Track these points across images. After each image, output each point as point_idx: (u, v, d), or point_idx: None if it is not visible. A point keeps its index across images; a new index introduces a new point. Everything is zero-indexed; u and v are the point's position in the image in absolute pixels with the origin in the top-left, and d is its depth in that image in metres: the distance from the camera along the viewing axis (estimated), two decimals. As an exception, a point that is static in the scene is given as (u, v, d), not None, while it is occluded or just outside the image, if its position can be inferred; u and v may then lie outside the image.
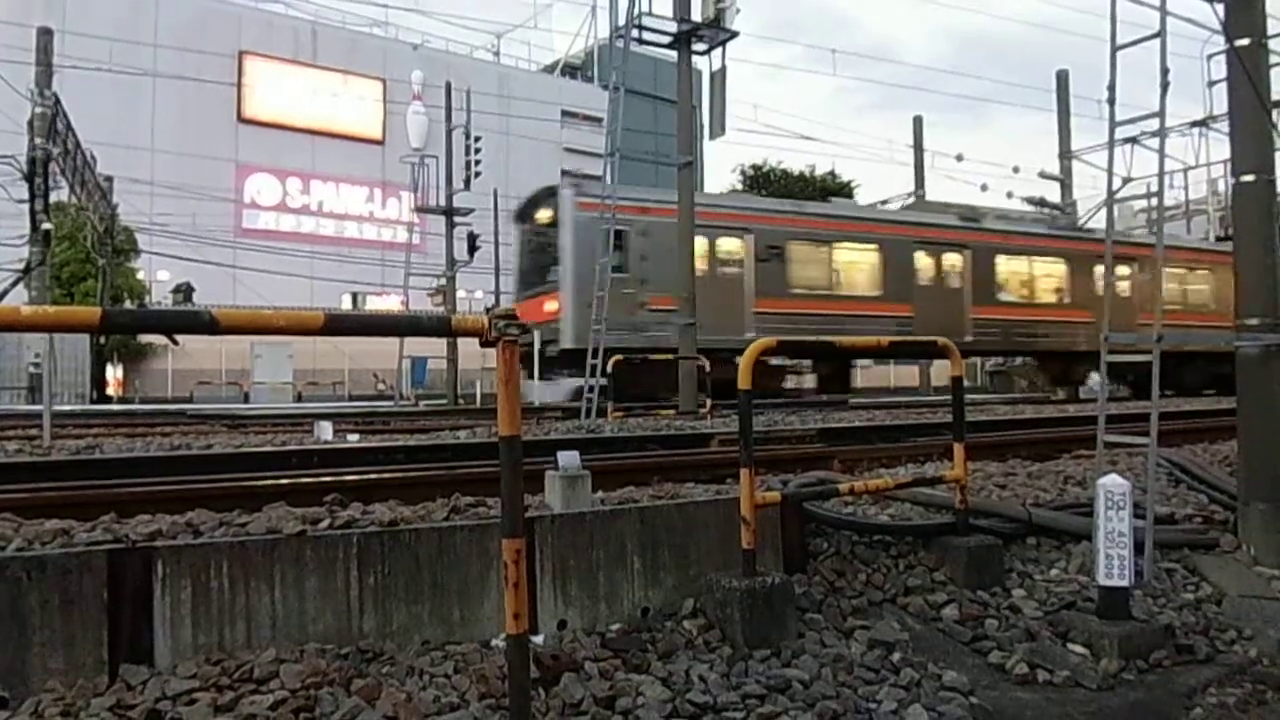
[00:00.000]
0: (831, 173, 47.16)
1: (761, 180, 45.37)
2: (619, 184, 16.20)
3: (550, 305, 17.96)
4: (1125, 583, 3.89)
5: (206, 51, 38.66)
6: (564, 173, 40.42)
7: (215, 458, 7.21)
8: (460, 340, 19.66)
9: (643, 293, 17.64)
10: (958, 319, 20.87)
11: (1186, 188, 34.12)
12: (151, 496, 4.87)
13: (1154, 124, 4.85)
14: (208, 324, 2.44)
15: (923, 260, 21.20)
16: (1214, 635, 4.13)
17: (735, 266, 18.89)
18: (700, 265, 17.75)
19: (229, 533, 3.57)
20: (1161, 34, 4.76)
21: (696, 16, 16.26)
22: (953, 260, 21.66)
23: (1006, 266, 22.71)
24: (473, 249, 26.67)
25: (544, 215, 18.85)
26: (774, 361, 18.58)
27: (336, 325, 2.64)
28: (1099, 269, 23.61)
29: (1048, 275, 23.65)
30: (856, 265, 20.68)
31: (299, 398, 31.29)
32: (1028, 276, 23.35)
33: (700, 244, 17.76)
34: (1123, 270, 24.08)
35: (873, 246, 20.60)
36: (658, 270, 17.44)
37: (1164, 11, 4.77)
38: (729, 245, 18.98)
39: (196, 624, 3.04)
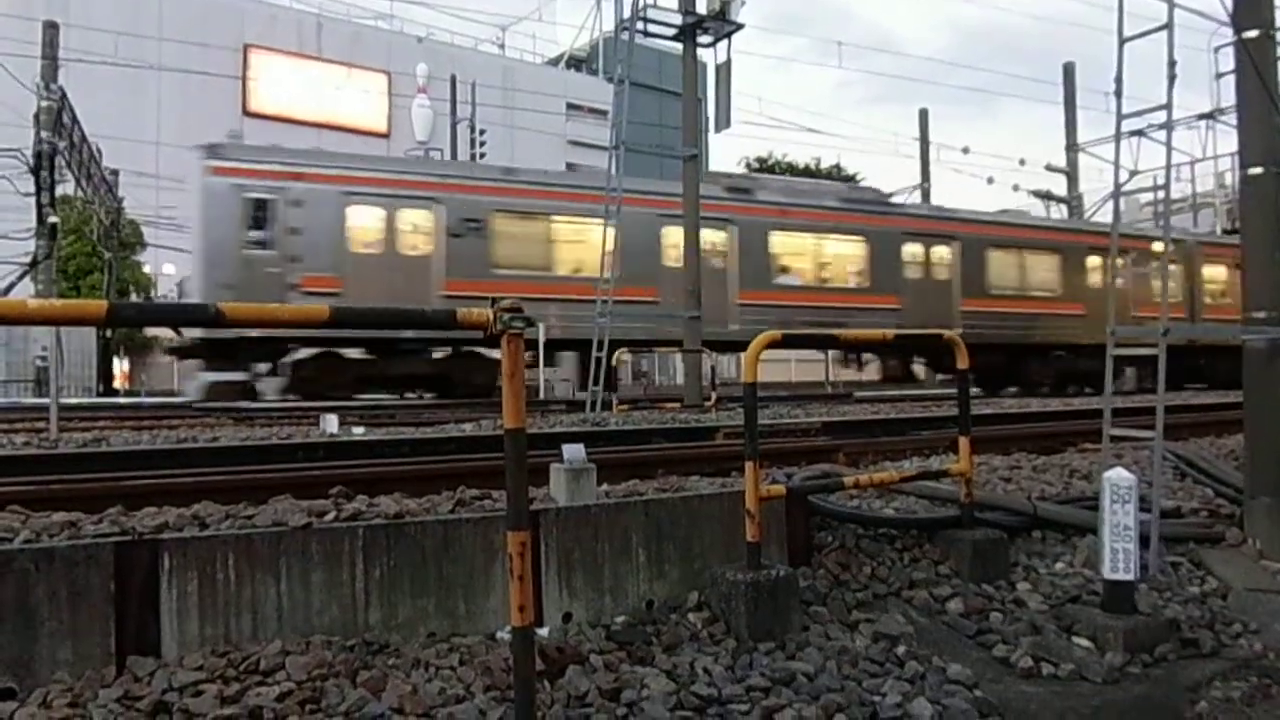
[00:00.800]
0: (837, 165, 47.11)
1: (766, 173, 45.29)
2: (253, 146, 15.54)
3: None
4: (1130, 576, 3.88)
5: (211, 45, 38.67)
6: (569, 165, 40.45)
7: (221, 450, 7.20)
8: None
9: (293, 272, 15.40)
10: (719, 305, 18.24)
11: (1194, 180, 34.02)
12: (158, 489, 4.87)
13: (1161, 116, 4.84)
14: (213, 317, 2.44)
15: (673, 238, 18.20)
16: (1219, 629, 4.12)
17: (420, 244, 16.69)
18: (370, 242, 16.13)
19: (235, 525, 3.58)
20: (1169, 26, 4.74)
21: (702, 9, 16.24)
22: (714, 238, 18.88)
23: (787, 245, 20.06)
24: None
25: None
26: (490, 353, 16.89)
27: (341, 318, 2.64)
28: (910, 248, 21.35)
29: (844, 256, 21.00)
30: (583, 243, 17.92)
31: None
32: (817, 257, 20.68)
33: (370, 216, 16.15)
34: (941, 252, 21.85)
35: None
36: (313, 246, 15.51)
37: (1171, 3, 4.75)
38: (413, 218, 16.65)
39: (203, 616, 3.06)
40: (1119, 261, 23.60)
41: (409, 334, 15.22)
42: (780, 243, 19.95)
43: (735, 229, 19.24)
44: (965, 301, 21.62)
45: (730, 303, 18.69)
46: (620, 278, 17.14)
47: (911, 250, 21.43)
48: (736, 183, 20.51)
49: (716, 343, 17.19)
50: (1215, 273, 25.68)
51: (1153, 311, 24.75)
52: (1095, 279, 23.67)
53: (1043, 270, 23.13)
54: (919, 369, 23.67)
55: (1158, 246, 24.12)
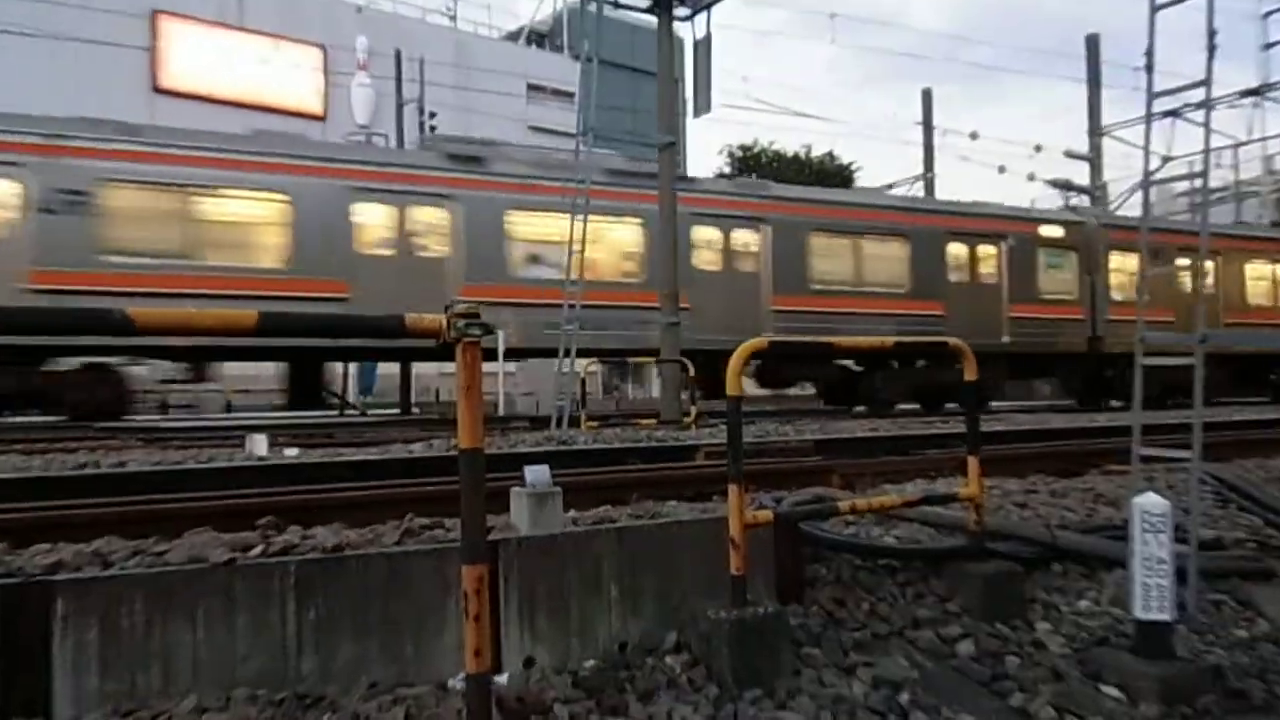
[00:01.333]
0: (830, 154, 47.41)
1: (751, 163, 45.51)
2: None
3: None
4: (1166, 616, 3.89)
5: (113, 10, 38.28)
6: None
7: (128, 477, 7.12)
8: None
9: None
10: (434, 303, 17.15)
11: (1237, 166, 34.40)
12: (52, 522, 4.80)
13: (1198, 94, 4.86)
14: (120, 324, 2.40)
15: (370, 217, 16.84)
16: (1271, 679, 4.09)
17: None
18: None
19: (144, 563, 3.53)
20: (1207, -10, 4.76)
21: (679, -23, 16.31)
22: (426, 217, 17.37)
23: (533, 229, 18.15)
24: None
25: None
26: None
27: (271, 325, 2.61)
28: (703, 232, 19.35)
29: (614, 243, 19.14)
30: (243, 225, 16.30)
31: (228, 407, 31.00)
32: (593, 244, 18.14)
33: None
34: (745, 238, 19.81)
35: (278, 197, 16.15)
36: None
37: (1209, -35, 4.77)
38: None
39: (104, 669, 3.00)
40: (992, 250, 22.35)
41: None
42: (523, 225, 18.09)
43: (459, 207, 17.43)
44: (778, 299, 19.67)
45: (448, 300, 16.96)
46: (294, 268, 15.98)
47: (704, 235, 19.52)
48: (463, 150, 18.33)
49: (426, 352, 16.38)
50: (1124, 263, 23.88)
51: (1035, 311, 22.18)
52: (959, 273, 22.09)
53: (888, 261, 21.39)
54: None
55: (1048, 230, 23.02)
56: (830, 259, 20.61)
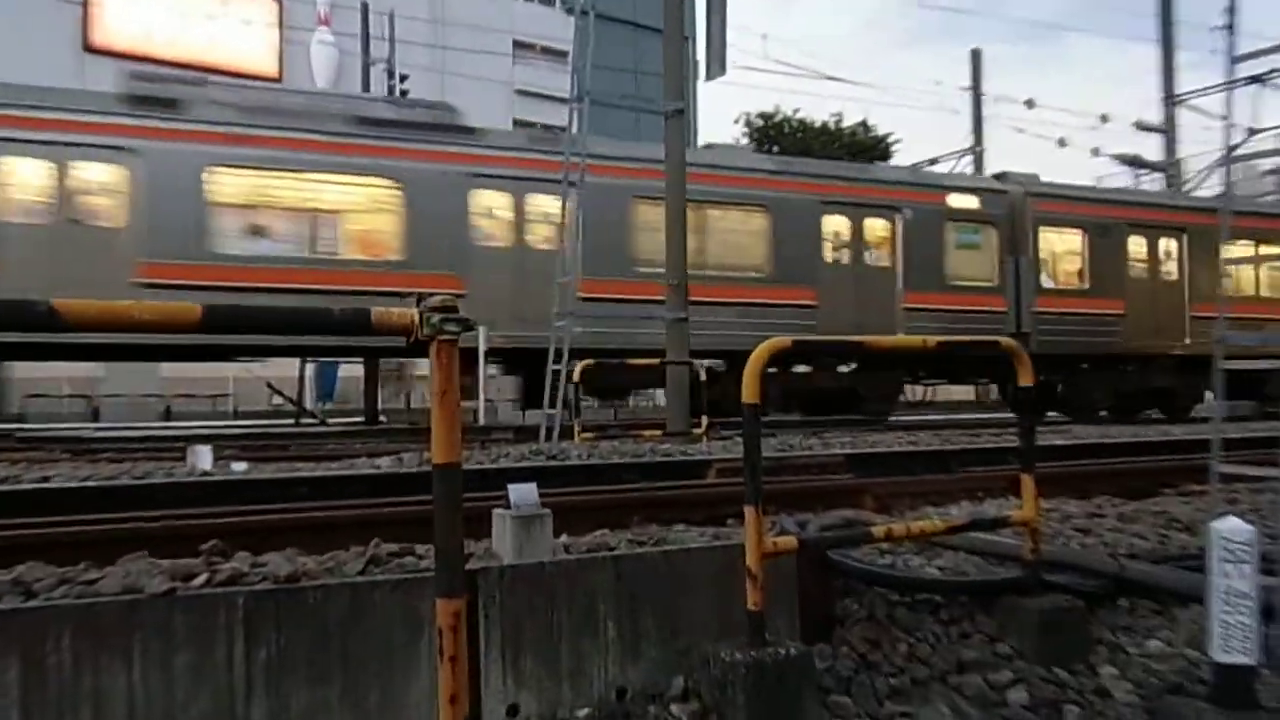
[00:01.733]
0: (864, 123, 47.39)
1: (774, 133, 45.51)
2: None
3: None
4: (1249, 659, 3.89)
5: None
6: (516, 123, 40.42)
7: (54, 494, 7.15)
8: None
9: None
10: (100, 286, 14.37)
11: (1331, 140, 34.25)
12: (-32, 544, 4.80)
13: (1284, 60, 4.86)
14: (44, 317, 2.41)
15: (13, 177, 15.56)
16: (1369, 731, 4.12)
17: None
18: None
19: (72, 593, 3.53)
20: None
21: (689, -82, 16.34)
22: (98, 177, 15.95)
23: (250, 192, 16.92)
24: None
25: None
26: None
27: (219, 320, 2.62)
28: (488, 199, 18.08)
29: (367, 213, 17.76)
30: None
31: (168, 414, 31.08)
32: (316, 213, 17.37)
33: None
34: (544, 205, 18.11)
35: None
36: None
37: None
38: None
39: (26, 714, 3.01)
40: (883, 225, 21.13)
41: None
42: (232, 187, 16.65)
43: (141, 163, 15.84)
44: (590, 284, 16.72)
45: (122, 280, 15.12)
46: None
47: (489, 202, 18.08)
48: (149, 90, 16.65)
49: (91, 348, 15.81)
50: (1060, 242, 22.80)
51: (939, 301, 21.10)
52: (838, 253, 20.83)
53: (741, 237, 20.08)
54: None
55: (958, 200, 21.71)
56: (662, 234, 18.29)
